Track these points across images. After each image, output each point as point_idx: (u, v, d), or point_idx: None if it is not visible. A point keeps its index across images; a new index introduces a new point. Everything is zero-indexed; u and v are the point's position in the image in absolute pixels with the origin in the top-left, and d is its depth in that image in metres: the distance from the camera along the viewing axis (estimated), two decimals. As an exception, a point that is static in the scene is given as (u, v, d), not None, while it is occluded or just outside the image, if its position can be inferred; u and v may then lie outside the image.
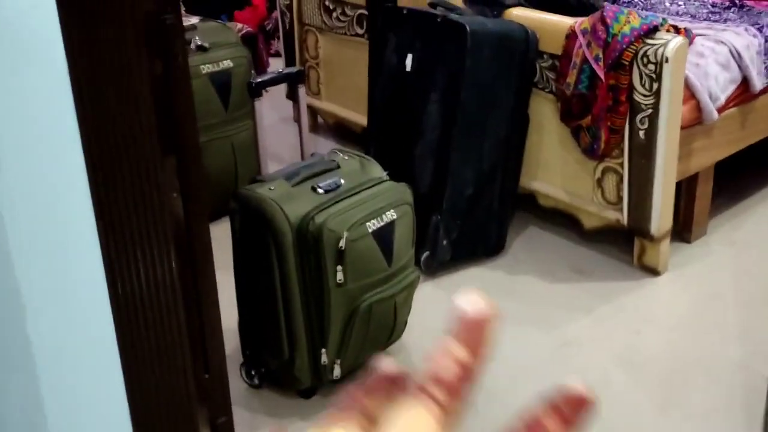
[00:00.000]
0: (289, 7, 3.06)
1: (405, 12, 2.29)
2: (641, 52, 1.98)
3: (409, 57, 2.24)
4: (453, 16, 2.17)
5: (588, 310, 1.98)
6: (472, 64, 2.09)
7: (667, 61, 1.94)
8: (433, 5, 2.32)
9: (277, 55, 3.32)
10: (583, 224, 2.23)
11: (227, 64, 2.44)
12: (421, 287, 2.05)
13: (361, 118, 2.68)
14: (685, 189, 2.23)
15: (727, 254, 2.23)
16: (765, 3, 2.49)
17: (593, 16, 2.11)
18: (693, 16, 2.50)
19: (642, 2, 2.60)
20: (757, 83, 2.23)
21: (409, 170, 2.20)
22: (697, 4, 2.56)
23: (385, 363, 0.29)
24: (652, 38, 1.99)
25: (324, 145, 3.11)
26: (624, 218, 2.12)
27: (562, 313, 1.98)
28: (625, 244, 2.21)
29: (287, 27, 3.11)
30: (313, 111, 3.17)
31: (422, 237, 2.13)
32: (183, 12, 3.16)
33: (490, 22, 2.18)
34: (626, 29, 2.01)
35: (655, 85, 1.97)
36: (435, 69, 2.17)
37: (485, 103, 2.14)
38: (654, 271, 2.14)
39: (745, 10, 2.47)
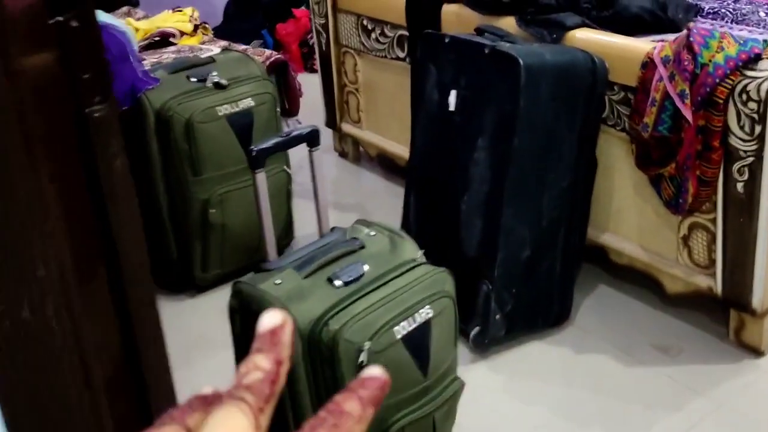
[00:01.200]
0: (325, 26, 2.76)
1: (447, 40, 1.95)
2: (739, 87, 1.59)
3: (453, 94, 1.91)
4: (503, 45, 1.82)
5: (675, 405, 1.62)
6: (527, 104, 1.74)
7: (772, 98, 1.56)
8: (480, 31, 1.97)
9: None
10: (665, 288, 1.87)
11: (248, 103, 2.16)
12: (470, 370, 1.74)
13: (404, 151, 2.37)
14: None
15: None
16: None
17: (676, 40, 1.73)
18: (796, 28, 2.08)
19: (731, 13, 2.19)
20: None
21: (455, 229, 1.87)
22: (799, 10, 2.14)
23: (204, 388, 0.32)
24: (752, 69, 1.60)
25: (367, 180, 2.82)
26: (717, 286, 1.74)
27: (641, 409, 1.62)
28: (718, 311, 1.83)
29: (323, 48, 2.81)
30: (354, 140, 2.88)
31: (471, 309, 1.81)
32: (210, 37, 2.92)
33: (548, 51, 1.83)
34: (719, 58, 1.63)
35: (758, 128, 1.59)
36: (483, 109, 1.83)
37: (543, 150, 1.79)
38: (756, 351, 1.76)
39: None
